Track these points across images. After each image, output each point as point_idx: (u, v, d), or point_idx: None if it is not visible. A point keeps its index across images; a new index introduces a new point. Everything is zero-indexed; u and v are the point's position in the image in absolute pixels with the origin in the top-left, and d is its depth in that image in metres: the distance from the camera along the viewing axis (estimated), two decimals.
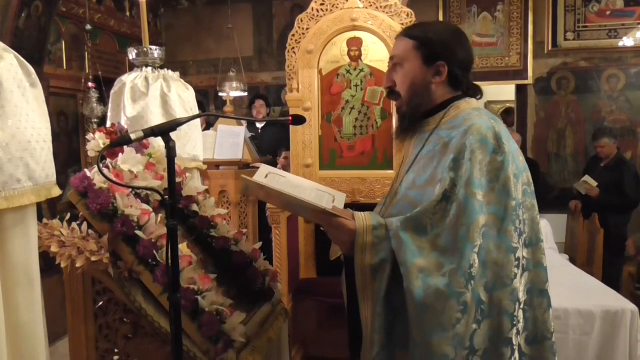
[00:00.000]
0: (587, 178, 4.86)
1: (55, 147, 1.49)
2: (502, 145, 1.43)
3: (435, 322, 1.36)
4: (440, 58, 1.52)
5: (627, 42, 5.46)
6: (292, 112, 2.74)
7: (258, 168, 1.71)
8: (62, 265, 1.52)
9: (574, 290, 3.02)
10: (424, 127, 1.58)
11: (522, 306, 1.44)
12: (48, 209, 4.04)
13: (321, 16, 2.75)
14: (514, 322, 1.40)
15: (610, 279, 4.14)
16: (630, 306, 2.72)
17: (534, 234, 1.49)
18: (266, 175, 1.62)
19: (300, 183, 1.67)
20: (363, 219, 1.48)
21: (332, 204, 1.60)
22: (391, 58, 1.61)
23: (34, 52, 3.91)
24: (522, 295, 1.44)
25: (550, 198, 5.63)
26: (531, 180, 1.52)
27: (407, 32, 1.59)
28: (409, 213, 1.45)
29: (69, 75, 4.75)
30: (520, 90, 6.02)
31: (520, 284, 1.42)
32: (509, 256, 1.40)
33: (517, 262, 1.41)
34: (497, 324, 1.39)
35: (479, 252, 1.37)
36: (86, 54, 4.88)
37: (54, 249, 1.52)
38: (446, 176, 1.41)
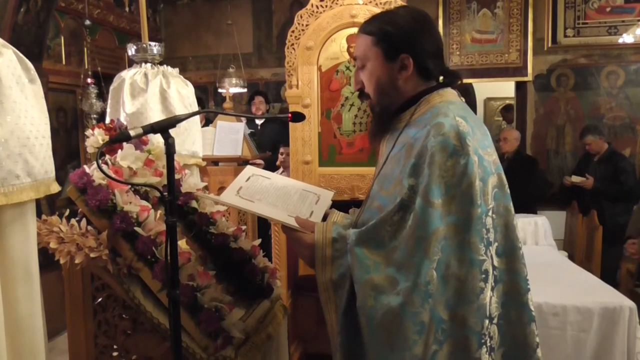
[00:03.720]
0: (573, 178, 5.02)
1: (53, 142, 1.49)
2: (466, 146, 1.28)
3: (390, 343, 1.27)
4: (402, 50, 1.38)
5: (626, 38, 5.44)
6: (291, 108, 2.74)
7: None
8: (61, 261, 1.52)
9: (573, 287, 3.03)
10: (396, 124, 1.46)
11: (495, 321, 1.33)
12: (47, 205, 4.04)
13: (321, 12, 2.74)
14: (482, 341, 1.28)
15: (608, 270, 4.17)
16: (628, 303, 2.73)
17: (509, 242, 1.36)
18: (248, 177, 1.61)
19: (285, 183, 1.65)
20: (323, 231, 1.40)
21: (314, 204, 1.57)
22: (354, 59, 1.50)
23: (32, 48, 3.90)
24: (494, 310, 1.33)
25: (549, 195, 5.64)
26: (504, 182, 1.39)
27: (364, 28, 1.45)
28: (367, 224, 1.35)
29: (68, 70, 4.74)
30: (520, 87, 6.01)
31: (490, 298, 1.31)
32: (472, 270, 1.27)
33: (484, 276, 1.28)
34: (463, 343, 1.27)
35: (437, 267, 1.25)
36: (85, 49, 4.87)
37: (53, 245, 1.52)
38: (405, 183, 1.30)
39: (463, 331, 1.27)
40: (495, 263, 1.33)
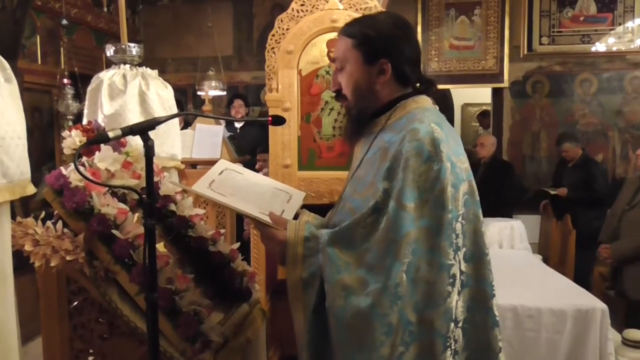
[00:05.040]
0: (551, 190, 5.18)
1: (28, 143, 1.47)
2: (440, 152, 1.30)
3: (358, 343, 1.29)
4: (382, 55, 1.41)
5: (599, 47, 5.59)
6: (271, 112, 2.73)
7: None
8: (36, 264, 1.49)
9: (547, 290, 3.09)
10: (371, 128, 1.47)
11: (460, 325, 1.35)
12: (20, 207, 3.96)
13: (301, 17, 2.75)
14: (447, 344, 1.30)
15: (581, 273, 4.26)
16: (601, 305, 2.79)
17: (477, 248, 1.39)
18: (221, 171, 1.60)
19: (258, 181, 1.65)
20: (296, 229, 1.41)
21: (286, 203, 1.57)
22: (333, 60, 1.51)
23: (7, 46, 3.83)
24: (460, 314, 1.35)
25: (524, 199, 5.74)
26: (475, 189, 1.41)
27: (346, 30, 1.47)
28: (340, 225, 1.36)
29: (44, 70, 4.66)
30: (497, 93, 6.11)
31: (457, 302, 1.33)
32: (441, 274, 1.29)
33: (451, 280, 1.30)
34: (428, 345, 1.29)
35: (407, 269, 1.27)
36: (62, 49, 4.79)
37: (27, 247, 1.48)
38: (379, 186, 1.32)
39: (429, 334, 1.29)
40: (463, 268, 1.36)
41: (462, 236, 1.35)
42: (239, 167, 1.68)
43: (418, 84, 1.48)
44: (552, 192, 5.11)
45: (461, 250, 1.35)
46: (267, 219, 1.45)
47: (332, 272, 1.33)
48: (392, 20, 1.46)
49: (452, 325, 1.32)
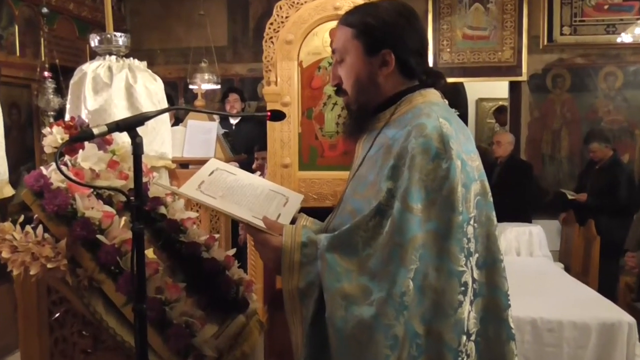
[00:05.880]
0: (568, 194, 5.16)
1: (6, 142, 1.47)
2: (449, 149, 1.29)
3: (360, 358, 1.27)
4: (384, 45, 1.40)
5: (625, 38, 5.58)
6: (269, 106, 2.73)
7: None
8: (14, 272, 1.49)
9: (569, 301, 3.09)
10: (374, 124, 1.47)
11: (473, 337, 1.33)
12: None
13: (302, 4, 2.75)
14: (459, 358, 1.29)
15: (606, 284, 4.25)
16: (627, 318, 2.79)
17: (490, 253, 1.37)
18: (212, 172, 1.60)
19: (251, 181, 1.65)
20: (292, 234, 1.40)
21: (282, 207, 1.57)
22: (333, 52, 1.52)
23: None
24: (472, 326, 1.33)
25: (544, 202, 5.73)
26: (487, 189, 1.40)
27: (345, 19, 1.46)
28: (340, 229, 1.35)
29: (23, 63, 4.67)
30: (514, 87, 6.11)
31: (469, 313, 1.31)
32: (451, 281, 1.28)
33: (463, 288, 1.29)
34: None
35: (414, 276, 1.25)
36: (42, 39, 4.80)
37: (5, 254, 1.49)
38: (383, 186, 1.31)
39: (438, 347, 1.27)
40: (475, 275, 1.34)
41: (474, 240, 1.33)
42: (231, 168, 1.68)
43: (425, 77, 1.48)
44: (570, 197, 5.09)
45: (473, 256, 1.33)
46: (260, 223, 1.44)
47: (332, 280, 1.31)
48: (395, 7, 1.44)
49: (464, 338, 1.30)
